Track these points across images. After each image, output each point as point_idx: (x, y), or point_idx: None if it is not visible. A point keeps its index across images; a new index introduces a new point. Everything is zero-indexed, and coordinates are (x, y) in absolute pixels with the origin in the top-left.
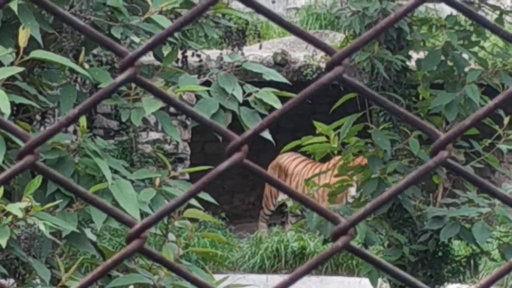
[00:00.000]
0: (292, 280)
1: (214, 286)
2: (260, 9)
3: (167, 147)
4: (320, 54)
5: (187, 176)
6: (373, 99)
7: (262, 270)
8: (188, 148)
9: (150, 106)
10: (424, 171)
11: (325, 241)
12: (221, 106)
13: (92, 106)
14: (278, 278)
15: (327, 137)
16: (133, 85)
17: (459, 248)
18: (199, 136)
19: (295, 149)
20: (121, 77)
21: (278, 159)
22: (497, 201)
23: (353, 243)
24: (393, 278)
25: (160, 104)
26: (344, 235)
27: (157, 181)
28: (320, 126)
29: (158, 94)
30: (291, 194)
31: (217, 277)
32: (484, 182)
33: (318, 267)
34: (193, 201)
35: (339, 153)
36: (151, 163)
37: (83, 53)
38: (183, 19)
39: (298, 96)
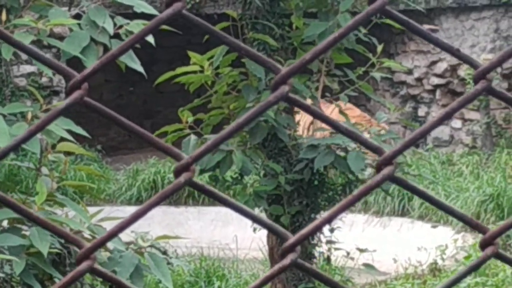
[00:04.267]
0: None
1: (87, 218)
2: None
3: (41, 80)
4: None
5: None
6: (213, 34)
7: (139, 201)
8: (63, 81)
9: (21, 39)
10: (265, 106)
11: (201, 171)
12: (92, 39)
13: None
14: (156, 210)
15: (202, 67)
16: (4, 18)
17: (335, 176)
18: (74, 69)
19: (171, 80)
20: None
21: None
22: (372, 130)
23: (196, 179)
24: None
25: (31, 37)
26: (186, 171)
27: (29, 115)
28: (194, 56)
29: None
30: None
31: (94, 210)
32: (330, 119)
33: (195, 197)
34: (66, 135)
35: (213, 83)
36: (26, 96)
37: None
38: None
39: (133, 36)
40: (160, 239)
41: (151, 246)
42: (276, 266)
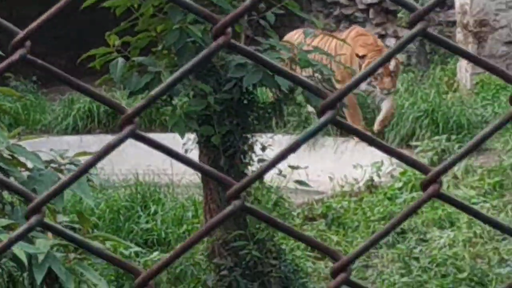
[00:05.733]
0: None
1: (5, 138)
2: None
3: None
4: None
5: None
6: None
7: (75, 131)
8: None
9: None
10: (207, 54)
11: (130, 94)
12: None
13: None
14: (93, 138)
15: None
16: None
17: (266, 96)
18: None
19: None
20: None
21: (288, 38)
22: (299, 45)
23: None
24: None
25: None
26: (130, 124)
27: None
28: None
29: None
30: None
31: (35, 142)
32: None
33: None
34: None
35: (139, 6)
36: None
37: None
38: None
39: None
40: (79, 155)
41: (71, 163)
42: (221, 213)
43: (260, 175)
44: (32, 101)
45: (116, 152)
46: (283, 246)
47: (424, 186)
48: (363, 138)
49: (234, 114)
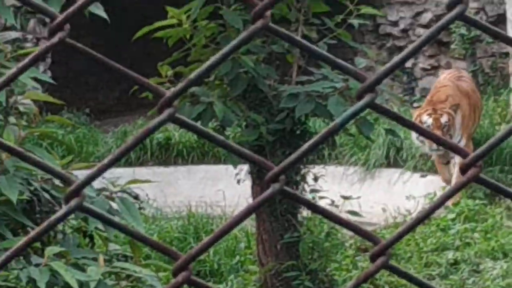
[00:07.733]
0: None
1: (57, 165)
2: None
3: (27, 45)
4: None
5: (49, 73)
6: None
7: (128, 163)
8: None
9: None
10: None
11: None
12: None
13: None
14: (145, 170)
15: (180, 21)
16: None
17: (318, 126)
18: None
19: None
20: None
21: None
22: None
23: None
24: None
25: None
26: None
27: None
28: (171, 10)
29: None
30: None
31: (82, 173)
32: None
33: (184, 157)
34: (32, 82)
35: (191, 37)
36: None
37: None
38: None
39: None
40: (130, 183)
41: (122, 191)
42: (260, 197)
43: (301, 157)
44: (85, 133)
45: (169, 184)
46: (336, 277)
47: (464, 170)
48: (403, 123)
49: (287, 144)
